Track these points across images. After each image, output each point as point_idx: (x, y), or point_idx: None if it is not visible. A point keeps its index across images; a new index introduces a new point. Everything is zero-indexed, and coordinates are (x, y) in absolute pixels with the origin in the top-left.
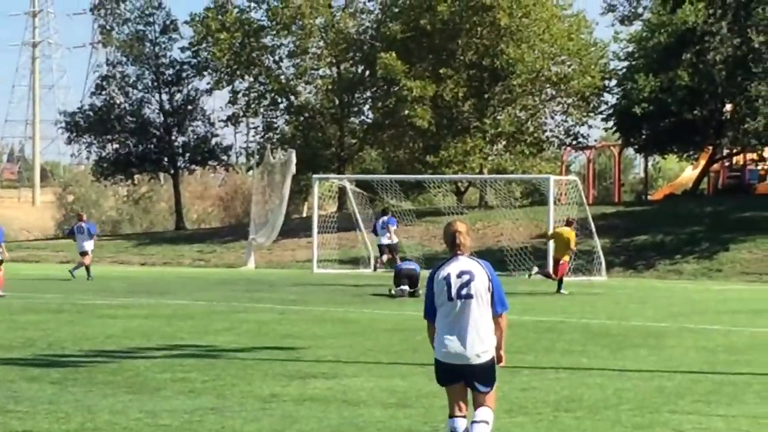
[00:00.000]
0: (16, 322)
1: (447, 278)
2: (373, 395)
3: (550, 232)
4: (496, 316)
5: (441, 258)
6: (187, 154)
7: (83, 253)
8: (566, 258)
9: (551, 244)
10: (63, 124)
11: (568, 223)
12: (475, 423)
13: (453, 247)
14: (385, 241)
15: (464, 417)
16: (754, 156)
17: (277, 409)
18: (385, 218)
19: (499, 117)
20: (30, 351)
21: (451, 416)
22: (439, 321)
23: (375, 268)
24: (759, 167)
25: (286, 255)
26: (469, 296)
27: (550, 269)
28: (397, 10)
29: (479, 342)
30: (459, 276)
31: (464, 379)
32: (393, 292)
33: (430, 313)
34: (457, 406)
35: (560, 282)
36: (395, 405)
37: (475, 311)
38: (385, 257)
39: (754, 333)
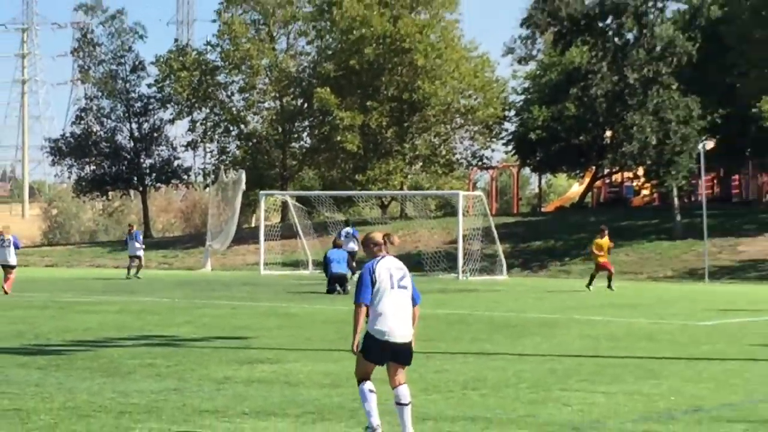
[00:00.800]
0: (6, 316)
1: (389, 270)
2: (310, 377)
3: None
4: (414, 306)
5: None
6: (153, 174)
7: (132, 257)
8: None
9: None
10: (48, 149)
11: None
12: (404, 406)
13: (381, 248)
14: (351, 247)
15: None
16: (630, 174)
17: (229, 389)
18: (350, 229)
19: (416, 142)
20: (18, 341)
21: (366, 380)
22: (379, 306)
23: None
24: (634, 184)
25: (238, 259)
26: (404, 287)
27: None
28: (330, 52)
29: (409, 325)
30: (397, 270)
31: (393, 357)
32: (331, 290)
33: (366, 298)
34: (370, 375)
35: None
36: (329, 385)
37: (407, 300)
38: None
39: (631, 323)
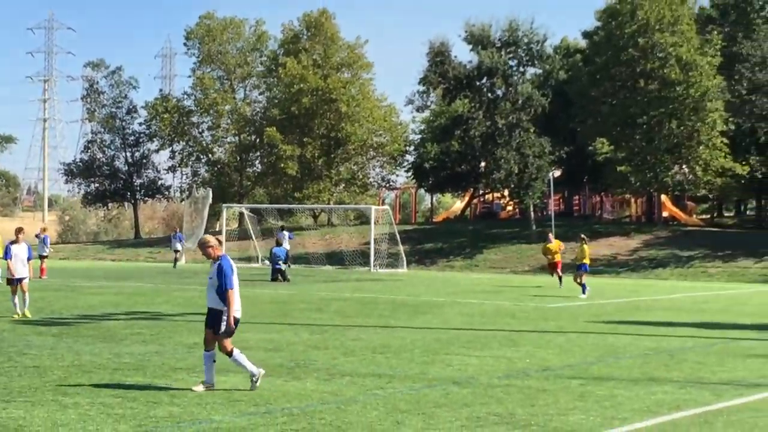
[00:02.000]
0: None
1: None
2: (258, 343)
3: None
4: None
5: (305, 256)
6: (142, 191)
7: (176, 251)
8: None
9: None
10: (63, 171)
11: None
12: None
13: (217, 247)
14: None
15: None
16: (498, 194)
17: (197, 352)
18: (287, 233)
19: (340, 169)
20: (38, 315)
21: (232, 353)
22: (237, 291)
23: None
24: (501, 201)
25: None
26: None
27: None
28: (276, 101)
29: None
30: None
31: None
32: (273, 278)
33: (234, 285)
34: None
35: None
36: (272, 349)
37: None
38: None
39: (498, 305)
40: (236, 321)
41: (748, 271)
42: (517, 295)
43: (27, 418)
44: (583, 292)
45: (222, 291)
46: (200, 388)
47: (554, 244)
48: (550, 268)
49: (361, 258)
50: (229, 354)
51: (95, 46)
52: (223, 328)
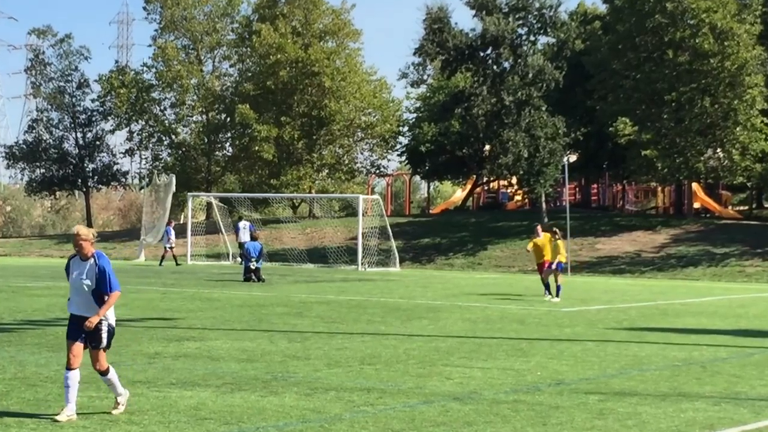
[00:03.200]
0: None
1: None
2: (230, 353)
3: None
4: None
5: (282, 253)
6: (96, 177)
7: (166, 248)
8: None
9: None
10: (3, 154)
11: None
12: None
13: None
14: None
15: None
16: (505, 182)
17: (159, 363)
18: (248, 223)
19: (323, 152)
20: None
21: (108, 371)
22: None
23: (239, 260)
24: (508, 190)
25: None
26: None
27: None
28: (250, 74)
29: None
30: None
31: None
32: (246, 278)
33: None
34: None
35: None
36: (246, 360)
37: None
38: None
39: (504, 309)
40: (113, 331)
41: None
42: (527, 298)
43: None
44: (557, 295)
45: (105, 293)
46: (65, 416)
47: (543, 238)
48: (539, 269)
49: (347, 255)
50: (106, 372)
51: (42, 11)
52: (105, 341)
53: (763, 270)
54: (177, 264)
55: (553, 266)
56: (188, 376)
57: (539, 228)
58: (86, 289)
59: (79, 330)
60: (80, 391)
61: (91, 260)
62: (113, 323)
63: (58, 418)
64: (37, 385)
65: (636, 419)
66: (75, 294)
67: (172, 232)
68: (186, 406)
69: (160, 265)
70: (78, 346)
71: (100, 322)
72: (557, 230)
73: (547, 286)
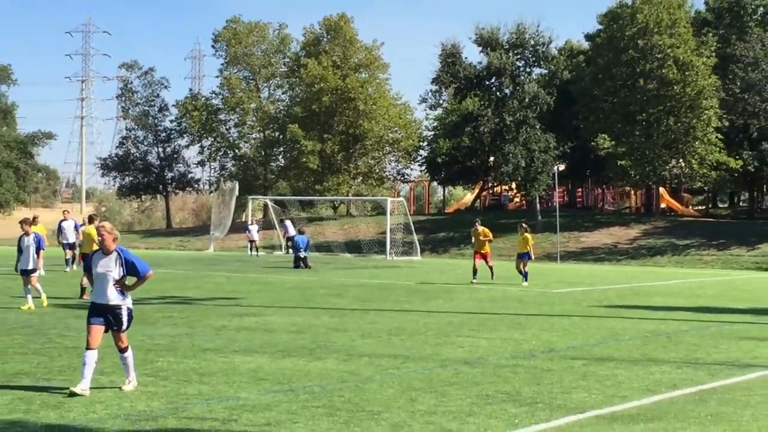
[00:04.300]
0: (71, 283)
1: None
2: (282, 326)
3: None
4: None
5: (325, 244)
6: (174, 183)
7: (251, 242)
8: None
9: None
10: (99, 165)
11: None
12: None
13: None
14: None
15: None
16: (506, 187)
17: (225, 334)
18: (289, 222)
19: (358, 163)
20: (77, 299)
21: (127, 349)
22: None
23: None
24: (509, 193)
25: (232, 244)
26: None
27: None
28: (298, 99)
29: None
30: None
31: None
32: (295, 266)
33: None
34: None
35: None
36: (295, 332)
37: None
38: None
39: (506, 290)
40: (132, 314)
41: (740, 258)
42: (524, 282)
43: (66, 396)
44: (525, 280)
45: (139, 276)
46: (79, 389)
47: (482, 229)
48: (476, 257)
49: (377, 246)
50: (125, 350)
51: (129, 49)
52: (126, 323)
53: (717, 258)
54: (251, 255)
55: (524, 257)
56: (248, 345)
57: (477, 223)
58: (110, 279)
59: (100, 316)
60: (160, 357)
61: (114, 254)
62: (131, 307)
63: (73, 389)
64: None
65: (613, 380)
66: (99, 284)
67: (255, 229)
68: (246, 369)
69: (257, 255)
70: (98, 330)
71: (120, 308)
72: (525, 225)
73: (525, 276)
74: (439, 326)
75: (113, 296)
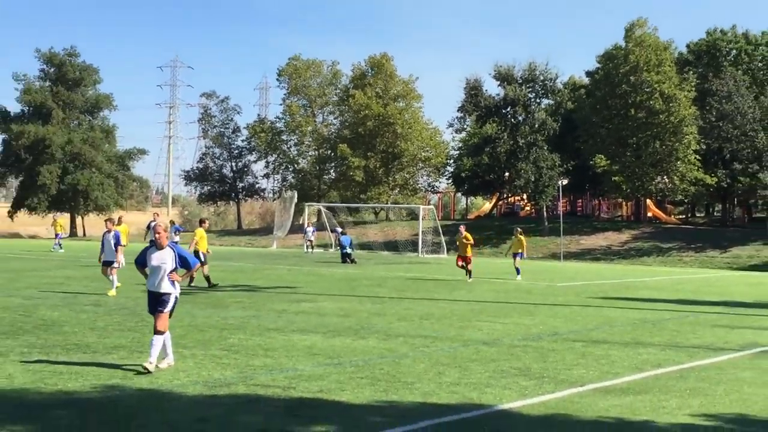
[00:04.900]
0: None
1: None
2: (332, 311)
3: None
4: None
5: (366, 244)
6: (244, 192)
7: (309, 241)
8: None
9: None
10: (183, 176)
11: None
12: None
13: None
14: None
15: None
16: (518, 198)
17: (285, 316)
18: (340, 230)
19: (396, 176)
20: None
21: (165, 331)
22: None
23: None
24: (521, 203)
25: (291, 242)
26: None
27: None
28: (347, 123)
29: None
30: None
31: None
32: (343, 261)
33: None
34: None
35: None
36: (343, 315)
37: None
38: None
39: (518, 283)
40: (177, 301)
41: (714, 259)
42: (534, 276)
43: (159, 363)
44: (518, 275)
45: (189, 268)
46: (164, 364)
47: (465, 236)
48: (458, 260)
49: (411, 246)
50: (163, 332)
51: (209, 81)
52: (170, 306)
53: (695, 259)
54: (306, 252)
55: (518, 257)
56: (304, 326)
57: (462, 228)
58: (163, 270)
59: (156, 303)
60: (232, 334)
61: (168, 250)
62: (178, 296)
63: (144, 364)
64: (204, 330)
65: (607, 359)
66: (154, 275)
67: (311, 230)
68: (303, 345)
69: (312, 252)
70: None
71: (169, 295)
72: (520, 229)
73: (518, 271)
74: (462, 312)
75: (166, 286)
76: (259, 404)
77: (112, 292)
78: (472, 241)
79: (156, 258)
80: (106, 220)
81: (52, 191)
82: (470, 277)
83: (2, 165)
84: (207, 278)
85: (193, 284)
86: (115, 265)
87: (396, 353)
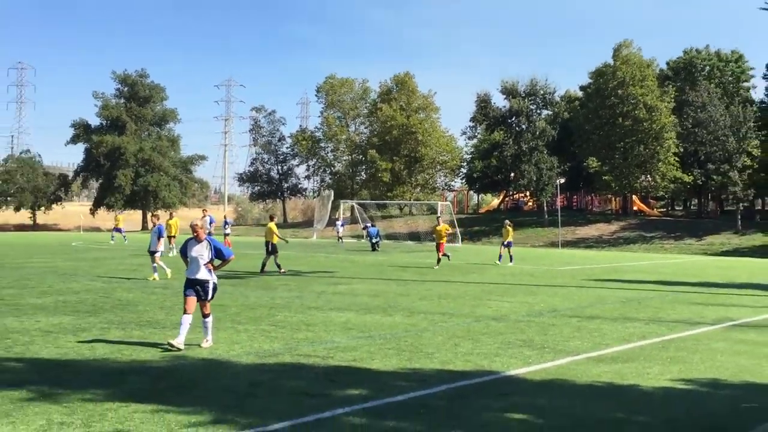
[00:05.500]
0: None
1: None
2: (364, 291)
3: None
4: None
5: (392, 235)
6: (288, 191)
7: (337, 232)
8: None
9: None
10: (237, 178)
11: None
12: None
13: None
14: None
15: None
16: (522, 195)
17: (323, 297)
18: (369, 223)
19: (417, 177)
20: (220, 272)
21: (209, 315)
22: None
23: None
24: (524, 199)
25: (329, 234)
26: None
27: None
28: (375, 132)
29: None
30: None
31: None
32: (372, 249)
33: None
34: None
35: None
36: (373, 295)
37: None
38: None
39: (522, 268)
40: (216, 287)
41: (691, 246)
42: (536, 261)
43: (215, 338)
44: (510, 261)
45: (224, 259)
46: (206, 344)
47: (442, 227)
48: (437, 249)
49: (430, 236)
50: (207, 316)
51: (258, 96)
52: (210, 294)
53: (675, 246)
54: (338, 242)
55: (508, 245)
56: (340, 305)
57: (440, 219)
58: (201, 261)
59: (193, 288)
60: (279, 312)
61: (205, 242)
62: (216, 282)
63: (170, 341)
64: (255, 308)
65: (599, 332)
66: (193, 264)
67: (339, 223)
68: (339, 321)
69: (342, 242)
70: (192, 300)
71: (207, 282)
72: (509, 222)
73: (500, 257)
74: (474, 293)
75: (204, 274)
76: (302, 371)
77: (154, 277)
78: (450, 231)
79: (195, 250)
80: (151, 216)
81: (126, 192)
82: (438, 263)
83: (85, 170)
84: (278, 265)
85: (283, 270)
86: (157, 254)
87: (418, 327)
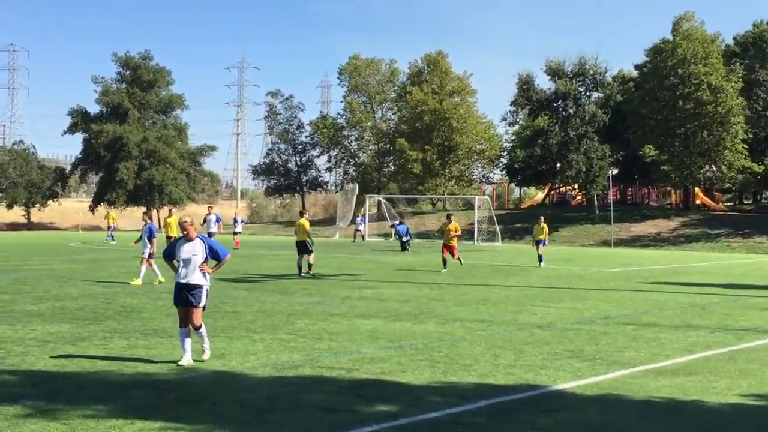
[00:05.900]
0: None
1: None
2: (392, 297)
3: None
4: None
5: (424, 233)
6: (308, 185)
7: (357, 230)
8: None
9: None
10: (251, 170)
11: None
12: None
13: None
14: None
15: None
16: (570, 188)
17: (348, 302)
18: (397, 221)
19: (452, 168)
20: (234, 275)
21: (201, 326)
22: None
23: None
24: (572, 192)
25: (353, 232)
26: None
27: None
28: (404, 119)
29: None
30: None
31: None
32: (401, 249)
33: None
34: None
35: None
36: (403, 301)
37: None
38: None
39: (570, 269)
40: (208, 293)
41: (762, 245)
42: (585, 263)
43: (228, 348)
44: (540, 262)
45: (219, 259)
46: (206, 355)
47: (452, 225)
48: (444, 250)
49: (467, 234)
50: (199, 328)
51: (274, 80)
52: (203, 300)
53: (743, 245)
54: (358, 241)
55: (541, 244)
56: (366, 311)
57: (452, 216)
58: (194, 261)
59: (182, 294)
60: (298, 319)
61: (198, 241)
62: (209, 288)
63: (179, 363)
64: (272, 315)
65: (657, 342)
66: (185, 266)
67: (359, 220)
68: (365, 329)
69: (363, 241)
70: (184, 310)
71: (200, 288)
72: (543, 218)
73: (539, 259)
74: (516, 297)
75: (197, 277)
76: (325, 385)
77: (137, 282)
78: (459, 232)
79: (186, 250)
80: (143, 214)
81: (129, 186)
82: (446, 266)
83: (83, 162)
84: (309, 266)
85: (312, 272)
86: (145, 255)
87: (454, 336)
